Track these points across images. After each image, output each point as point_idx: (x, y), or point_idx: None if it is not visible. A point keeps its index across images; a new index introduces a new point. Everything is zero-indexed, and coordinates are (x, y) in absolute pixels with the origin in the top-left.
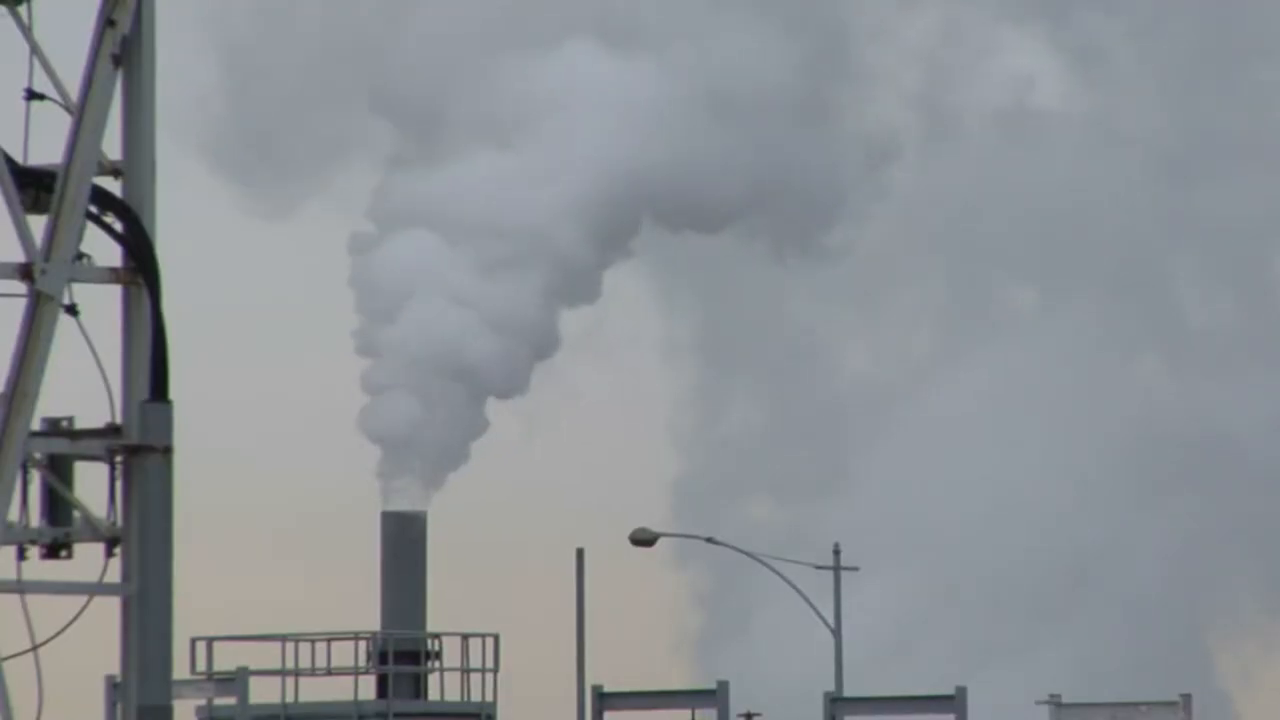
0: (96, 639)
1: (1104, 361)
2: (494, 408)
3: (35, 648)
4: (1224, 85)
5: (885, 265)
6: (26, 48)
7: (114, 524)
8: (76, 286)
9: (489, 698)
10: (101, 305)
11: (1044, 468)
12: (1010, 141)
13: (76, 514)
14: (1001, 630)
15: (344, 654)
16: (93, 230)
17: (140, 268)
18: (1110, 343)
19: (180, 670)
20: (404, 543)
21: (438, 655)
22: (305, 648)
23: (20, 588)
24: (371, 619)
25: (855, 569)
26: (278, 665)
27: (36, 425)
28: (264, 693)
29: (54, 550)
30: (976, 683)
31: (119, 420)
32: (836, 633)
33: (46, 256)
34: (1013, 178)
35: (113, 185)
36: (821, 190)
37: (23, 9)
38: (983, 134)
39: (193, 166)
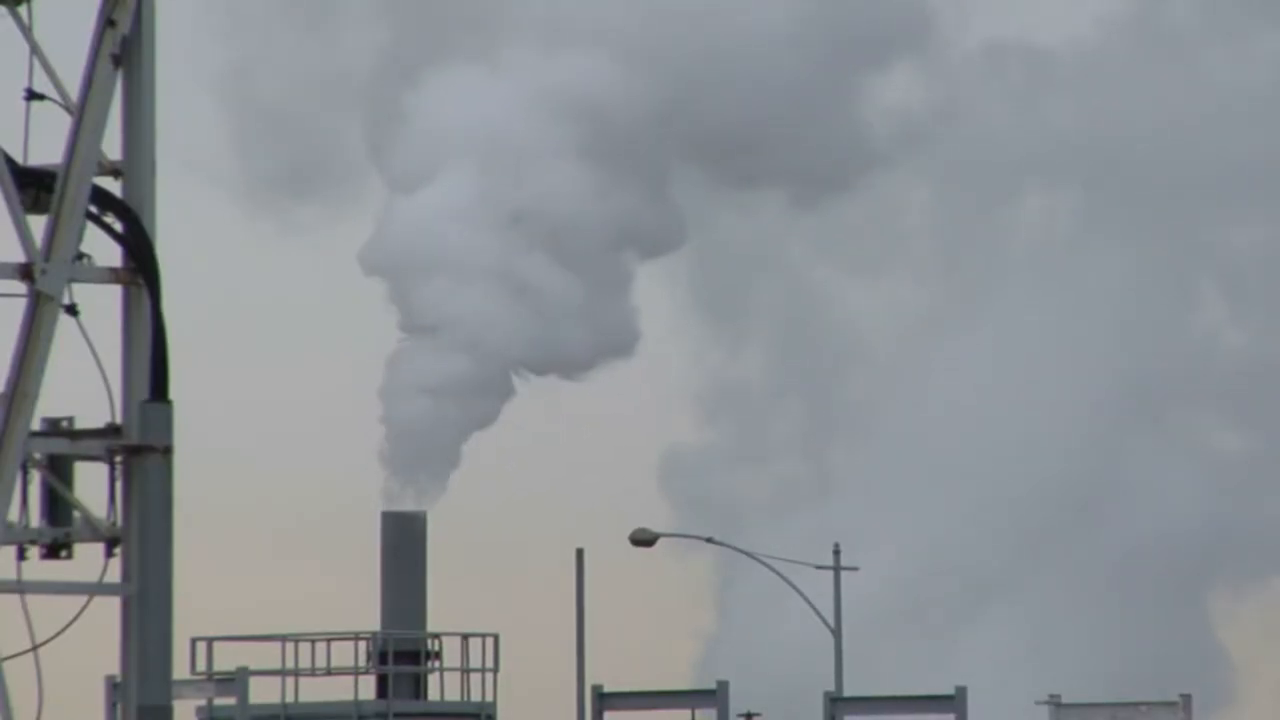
0: (96, 639)
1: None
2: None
3: (35, 648)
4: (1271, 22)
5: (902, 213)
6: (26, 48)
7: (114, 524)
8: (76, 286)
9: (489, 698)
10: (101, 305)
11: (1059, 421)
12: (1044, 77)
13: (76, 514)
14: (1005, 617)
15: (344, 654)
16: (93, 230)
17: (140, 268)
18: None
19: (180, 670)
20: (404, 543)
21: (438, 655)
22: (305, 648)
23: (20, 588)
24: (371, 619)
25: (855, 569)
26: (278, 665)
27: (36, 425)
28: (264, 693)
29: (54, 550)
30: (976, 681)
31: (119, 420)
32: (836, 633)
33: (46, 256)
34: (1051, 113)
35: (113, 185)
36: (843, 135)
37: (23, 9)
38: (1017, 69)
39: (192, 166)
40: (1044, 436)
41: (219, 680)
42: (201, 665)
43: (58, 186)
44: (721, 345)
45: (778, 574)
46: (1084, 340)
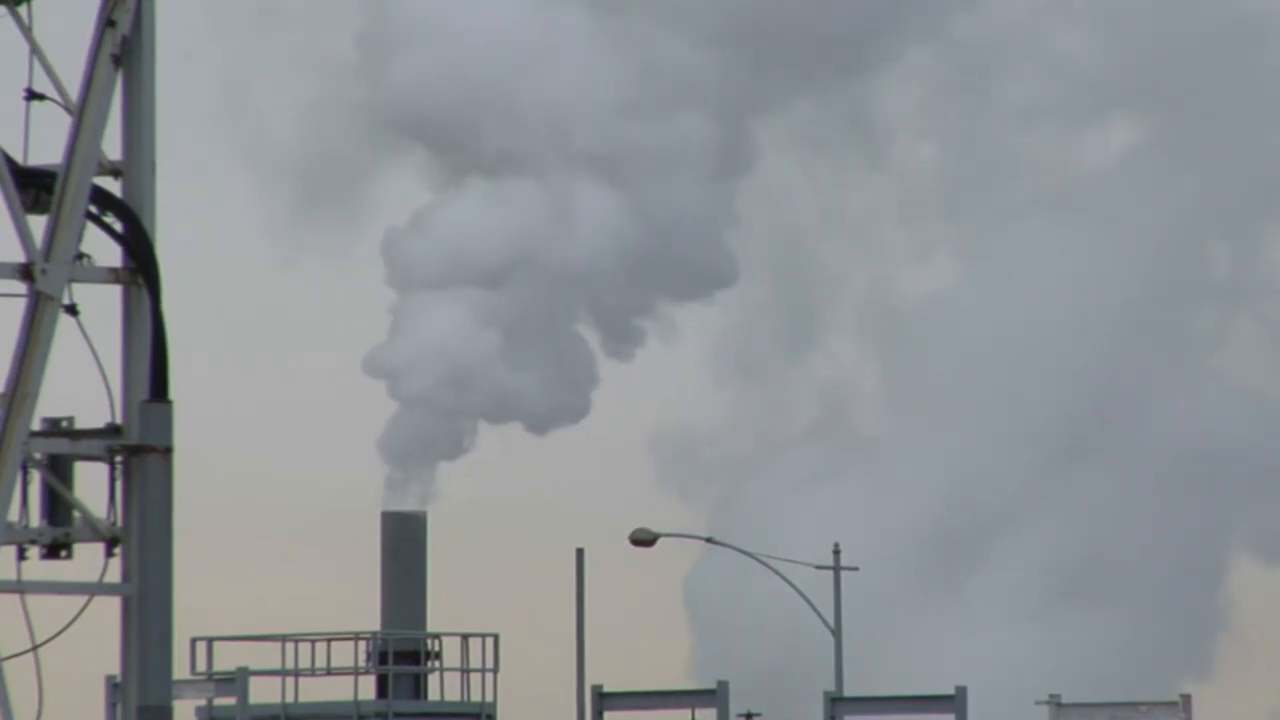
0: (96, 639)
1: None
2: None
3: (35, 648)
4: None
5: (919, 151)
6: (26, 48)
7: (114, 524)
8: (76, 286)
9: (489, 698)
10: (101, 305)
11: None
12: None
13: (76, 514)
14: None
15: (344, 654)
16: (93, 230)
17: (140, 268)
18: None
19: (180, 670)
20: (404, 543)
21: (438, 655)
22: (305, 648)
23: (20, 588)
24: (371, 619)
25: (855, 569)
26: (278, 665)
27: (36, 425)
28: (264, 693)
29: (54, 550)
30: (976, 681)
31: (119, 420)
32: (836, 633)
33: (46, 256)
34: (1068, 40)
35: (113, 185)
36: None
37: (23, 9)
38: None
39: (192, 166)
40: (1066, 375)
41: (219, 680)
42: (201, 665)
43: (58, 186)
44: (726, 315)
45: (778, 574)
46: (1102, 281)
